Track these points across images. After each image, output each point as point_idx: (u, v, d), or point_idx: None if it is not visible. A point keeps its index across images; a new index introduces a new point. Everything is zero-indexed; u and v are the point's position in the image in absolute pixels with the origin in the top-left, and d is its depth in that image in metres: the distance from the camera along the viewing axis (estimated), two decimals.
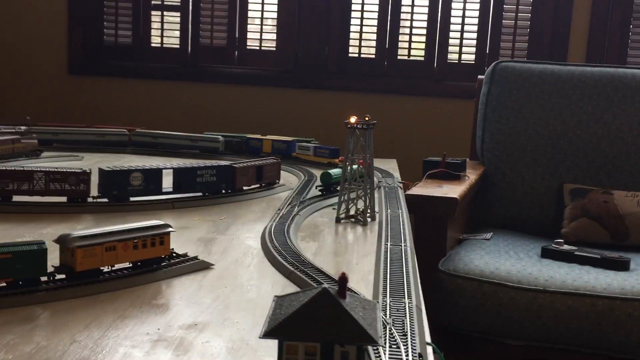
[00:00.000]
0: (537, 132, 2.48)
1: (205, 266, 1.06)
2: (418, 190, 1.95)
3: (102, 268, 0.94)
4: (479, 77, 2.71)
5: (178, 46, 3.48)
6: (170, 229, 1.01)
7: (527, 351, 1.79)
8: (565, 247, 1.97)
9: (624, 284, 1.75)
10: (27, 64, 3.53)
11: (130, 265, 0.98)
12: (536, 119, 2.49)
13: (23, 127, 2.28)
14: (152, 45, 3.51)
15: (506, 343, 1.80)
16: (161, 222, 1.02)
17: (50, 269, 0.90)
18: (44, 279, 0.90)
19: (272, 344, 0.58)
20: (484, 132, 2.57)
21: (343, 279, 0.60)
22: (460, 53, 3.28)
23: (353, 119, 1.39)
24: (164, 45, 3.50)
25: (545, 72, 2.55)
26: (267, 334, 0.57)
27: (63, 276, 0.91)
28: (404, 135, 3.23)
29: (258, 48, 3.43)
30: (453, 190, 1.95)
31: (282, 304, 0.61)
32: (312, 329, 0.57)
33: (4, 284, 0.87)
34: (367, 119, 1.40)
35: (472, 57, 3.26)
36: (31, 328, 0.80)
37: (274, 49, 3.41)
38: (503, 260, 1.89)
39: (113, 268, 0.96)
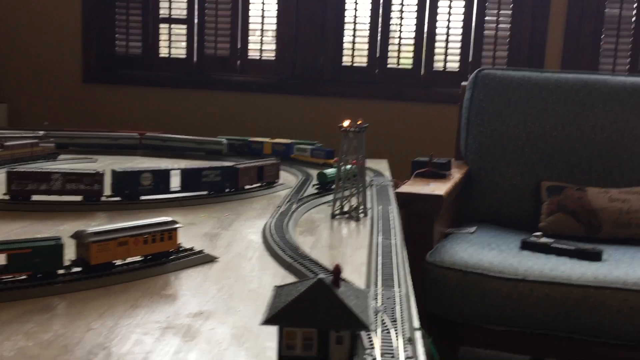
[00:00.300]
0: (517, 134, 2.48)
1: (210, 259, 1.06)
2: (407, 188, 1.95)
3: (115, 261, 0.94)
4: (463, 83, 2.71)
5: (184, 56, 3.48)
6: (177, 225, 1.01)
7: (509, 336, 1.79)
8: (543, 239, 1.97)
9: (597, 273, 1.75)
10: (44, 73, 3.52)
11: (141, 258, 0.97)
12: (515, 122, 2.49)
13: (41, 132, 2.27)
14: (161, 55, 3.51)
15: (489, 328, 1.80)
16: (169, 219, 1.02)
17: (66, 263, 0.90)
18: (61, 271, 0.90)
19: (273, 331, 0.58)
20: (467, 134, 2.57)
21: (337, 270, 0.60)
22: (445, 62, 3.28)
23: (346, 123, 1.39)
24: (172, 56, 3.50)
25: (524, 79, 2.55)
26: (267, 321, 0.57)
27: (79, 269, 0.91)
28: (394, 137, 3.23)
29: (258, 57, 3.43)
30: (439, 188, 1.95)
31: (281, 293, 0.61)
32: (309, 316, 0.57)
33: (24, 277, 0.87)
34: (359, 122, 1.40)
35: (456, 65, 3.27)
36: (49, 317, 0.80)
37: (273, 58, 3.41)
38: (486, 252, 1.89)
39: (125, 261, 0.96)
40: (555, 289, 1.72)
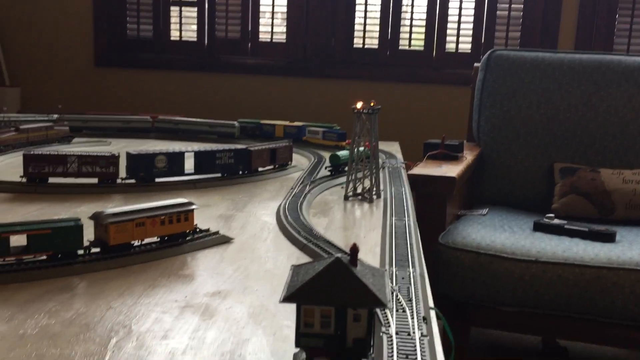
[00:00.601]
0: (530, 116, 2.47)
1: (225, 240, 1.07)
2: (419, 170, 1.95)
3: (132, 242, 0.95)
4: (475, 65, 2.69)
5: (195, 39, 3.47)
6: (193, 206, 1.02)
7: (520, 317, 1.80)
8: (556, 221, 1.97)
9: (610, 254, 1.75)
10: (57, 57, 3.54)
11: (158, 239, 0.99)
12: (528, 103, 2.48)
13: (55, 115, 2.29)
14: (172, 38, 3.50)
15: (501, 309, 1.81)
16: (185, 200, 1.03)
17: (86, 244, 0.92)
18: (80, 252, 0.91)
19: (289, 310, 0.59)
20: (480, 116, 2.56)
21: (354, 249, 0.61)
22: (457, 43, 3.26)
23: (359, 105, 1.39)
24: (183, 39, 3.50)
25: (537, 60, 2.53)
26: (286, 299, 0.58)
27: (98, 250, 0.92)
28: (406, 119, 3.22)
29: (269, 40, 3.42)
30: (451, 170, 1.95)
31: (299, 272, 0.62)
32: (327, 294, 0.58)
33: (44, 257, 0.88)
34: (372, 104, 1.41)
35: (469, 46, 3.24)
36: (70, 296, 0.81)
37: (284, 40, 3.40)
38: (498, 233, 1.89)
39: (143, 242, 0.97)
40: (568, 270, 1.72)
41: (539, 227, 1.96)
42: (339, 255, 0.61)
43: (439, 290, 1.84)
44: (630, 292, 1.68)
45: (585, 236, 1.88)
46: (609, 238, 1.87)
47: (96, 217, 0.93)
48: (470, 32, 3.23)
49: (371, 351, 0.60)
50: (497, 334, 2.53)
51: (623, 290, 1.69)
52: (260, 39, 3.42)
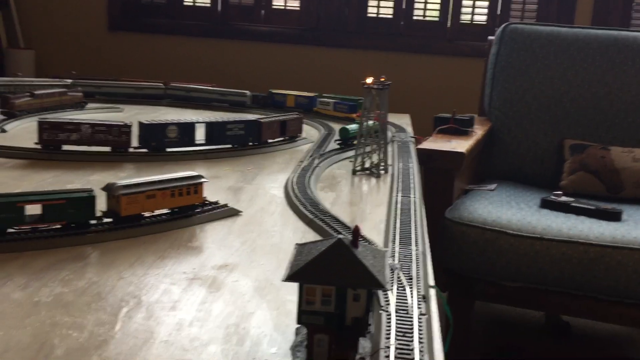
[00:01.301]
0: (542, 91, 2.46)
1: (234, 213, 1.09)
2: (428, 144, 1.96)
3: (143, 213, 0.98)
4: (489, 37, 2.67)
5: (209, 5, 3.46)
6: (203, 180, 1.04)
7: (524, 292, 1.83)
8: (563, 198, 1.98)
9: (615, 233, 1.76)
10: (70, 21, 3.54)
11: (169, 211, 1.01)
12: (541, 79, 2.47)
13: (69, 81, 2.31)
14: (185, 3, 3.49)
15: (505, 284, 1.83)
16: (195, 173, 1.05)
17: (98, 214, 0.95)
18: (93, 222, 0.94)
19: (293, 285, 0.62)
20: (492, 90, 2.55)
21: (356, 230, 0.63)
22: (472, 14, 3.23)
23: (370, 80, 1.40)
24: (196, 4, 3.49)
25: (552, 34, 2.51)
26: (289, 278, 0.60)
27: (110, 220, 0.95)
28: (418, 91, 3.21)
29: (283, 7, 3.40)
30: (461, 145, 1.95)
31: (302, 251, 0.64)
32: (328, 274, 0.60)
33: (58, 226, 0.91)
34: (382, 79, 1.41)
35: (484, 17, 3.22)
36: (83, 265, 0.85)
37: (298, 8, 3.38)
38: (505, 209, 1.91)
39: (153, 213, 1.00)
40: (572, 248, 1.73)
41: (545, 204, 1.97)
42: (341, 236, 0.63)
43: (445, 265, 1.87)
44: (633, 271, 1.70)
45: (591, 214, 1.89)
46: (615, 217, 1.88)
47: (109, 189, 0.95)
48: (487, 3, 3.20)
49: (369, 330, 0.62)
50: (500, 308, 2.57)
51: (627, 269, 1.71)
52: (273, 6, 3.40)
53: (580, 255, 1.73)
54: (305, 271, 0.60)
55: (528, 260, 1.76)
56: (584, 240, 1.74)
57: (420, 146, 1.90)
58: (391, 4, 3.29)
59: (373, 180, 1.42)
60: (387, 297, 0.73)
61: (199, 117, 1.62)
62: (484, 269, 1.82)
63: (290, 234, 1.02)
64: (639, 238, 1.74)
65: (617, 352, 2.31)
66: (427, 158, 1.88)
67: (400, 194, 1.22)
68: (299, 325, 0.63)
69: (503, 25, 2.60)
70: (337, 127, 1.84)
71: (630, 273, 1.70)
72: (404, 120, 2.23)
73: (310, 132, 1.93)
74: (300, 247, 0.66)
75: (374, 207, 1.19)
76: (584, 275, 1.74)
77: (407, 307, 0.72)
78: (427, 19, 3.27)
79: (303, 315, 0.61)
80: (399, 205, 1.14)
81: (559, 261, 1.74)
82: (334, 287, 0.60)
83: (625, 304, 1.76)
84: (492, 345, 2.19)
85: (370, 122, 1.46)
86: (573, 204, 1.94)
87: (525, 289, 1.82)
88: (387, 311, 0.70)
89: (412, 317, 0.70)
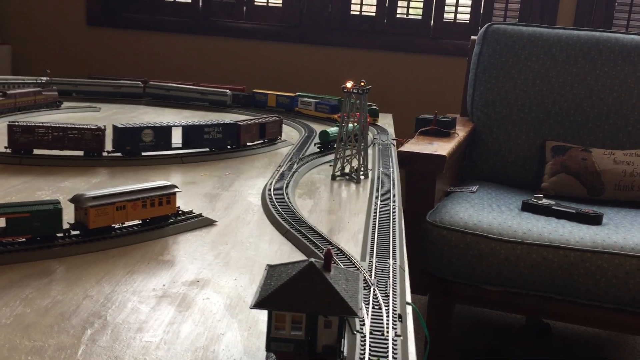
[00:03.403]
0: (524, 92, 2.45)
1: (208, 223, 1.06)
2: (410, 147, 1.94)
3: (113, 225, 0.95)
4: (472, 37, 2.66)
5: (190, 0, 3.41)
6: (176, 190, 1.01)
7: (504, 296, 1.82)
8: (544, 201, 1.97)
9: (595, 237, 1.76)
10: (48, 14, 3.47)
11: (140, 222, 0.98)
12: (524, 80, 2.46)
13: (44, 79, 2.26)
14: None
15: (485, 288, 1.82)
16: (168, 183, 1.02)
17: (65, 226, 0.91)
18: (60, 235, 0.91)
19: None
20: (474, 91, 2.54)
21: (329, 254, 0.60)
22: (455, 12, 3.21)
23: (349, 84, 1.37)
24: (177, 0, 3.43)
25: (534, 35, 2.50)
26: (257, 305, 0.57)
27: (77, 233, 0.92)
28: (401, 90, 3.20)
29: (265, 4, 3.36)
30: (442, 148, 1.94)
31: (272, 274, 0.62)
32: (299, 300, 0.58)
33: (23, 240, 0.88)
34: (362, 84, 1.39)
35: (467, 16, 3.20)
36: (48, 282, 0.81)
37: (280, 5, 3.34)
38: (486, 213, 1.90)
39: (123, 225, 0.96)
40: (552, 252, 1.73)
41: (527, 207, 1.96)
42: (313, 260, 0.60)
43: (426, 268, 1.86)
44: (613, 275, 1.70)
45: (572, 218, 1.88)
46: (596, 220, 1.87)
47: (76, 200, 0.92)
48: (470, 2, 3.18)
49: (341, 357, 0.60)
50: (481, 310, 2.57)
51: (606, 274, 1.70)
52: (255, 2, 3.36)
53: (561, 260, 1.72)
54: (275, 297, 0.58)
55: (509, 264, 1.75)
56: (564, 245, 1.73)
57: (402, 149, 1.88)
58: (374, 1, 3.26)
59: (353, 186, 1.39)
60: (362, 319, 0.71)
61: (175, 120, 1.58)
62: (464, 272, 1.81)
63: (266, 246, 1.00)
64: (619, 242, 1.73)
65: (597, 354, 2.32)
66: (408, 161, 1.86)
67: (379, 202, 1.20)
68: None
69: (485, 26, 2.59)
70: (318, 128, 1.81)
71: (609, 277, 1.70)
72: (386, 121, 2.21)
73: (291, 133, 1.90)
74: (271, 270, 0.63)
75: (353, 216, 1.17)
76: (563, 280, 1.73)
77: (382, 328, 0.70)
78: (410, 17, 3.25)
79: (272, 343, 0.59)
80: (377, 215, 1.12)
81: (539, 265, 1.73)
82: (304, 314, 0.58)
83: (604, 308, 1.75)
84: (473, 347, 2.18)
85: (350, 126, 1.44)
86: (554, 207, 1.93)
87: (506, 292, 1.81)
88: (361, 333, 0.68)
89: (387, 340, 0.68)
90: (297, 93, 2.29)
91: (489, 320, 2.52)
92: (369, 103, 2.06)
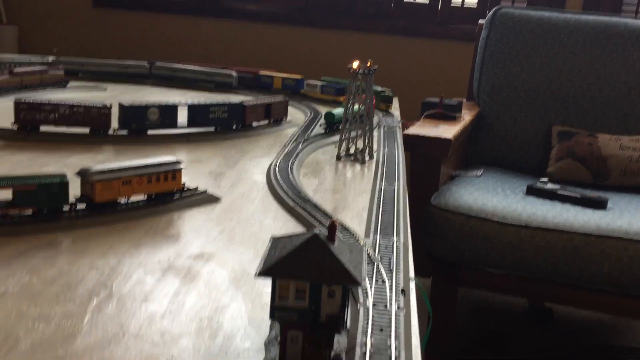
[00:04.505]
0: (531, 77, 2.44)
1: (213, 199, 1.07)
2: (415, 130, 1.94)
3: (119, 200, 0.96)
4: (480, 21, 2.64)
5: None
6: (181, 166, 1.02)
7: (507, 279, 1.82)
8: (549, 185, 1.97)
9: (600, 222, 1.76)
10: None
11: (145, 197, 0.99)
12: (531, 64, 2.45)
13: (51, 58, 2.26)
14: None
15: (489, 272, 1.83)
16: (174, 159, 1.02)
17: (72, 200, 0.92)
18: (66, 208, 0.91)
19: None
20: (481, 75, 2.53)
21: (333, 225, 0.61)
22: None
23: (355, 64, 1.37)
24: None
25: (543, 19, 2.49)
26: (261, 273, 0.58)
27: (83, 206, 0.93)
28: (407, 75, 3.18)
29: None
30: (448, 131, 1.93)
31: (277, 245, 0.62)
32: (303, 269, 0.58)
33: (30, 212, 0.89)
34: (369, 64, 1.38)
35: (475, 1, 3.18)
36: (54, 253, 0.82)
37: None
38: (490, 196, 1.90)
39: (129, 200, 0.97)
40: (556, 236, 1.73)
41: (531, 192, 1.96)
42: (317, 231, 0.61)
43: (429, 251, 1.86)
44: (616, 260, 1.70)
45: (577, 202, 1.88)
46: (601, 205, 1.87)
47: (82, 174, 0.93)
48: None
49: (344, 327, 0.61)
50: (484, 294, 2.57)
51: (610, 258, 1.70)
52: None
53: (564, 244, 1.72)
54: (279, 266, 0.58)
55: (512, 248, 1.76)
56: (568, 229, 1.73)
57: (407, 132, 1.88)
58: None
59: (357, 166, 1.39)
60: (365, 292, 0.71)
61: (181, 99, 1.58)
62: (468, 256, 1.81)
63: (271, 222, 1.00)
64: (624, 227, 1.73)
65: (600, 339, 2.33)
66: (413, 144, 1.86)
67: (384, 182, 1.20)
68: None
69: (493, 9, 2.57)
70: (323, 110, 1.81)
71: (613, 262, 1.70)
72: (392, 104, 2.20)
73: (296, 115, 1.90)
74: (275, 241, 0.64)
75: (357, 195, 1.17)
76: (567, 264, 1.73)
77: (385, 301, 0.71)
78: (418, 1, 3.23)
79: (276, 312, 0.59)
80: (382, 194, 1.12)
81: (543, 249, 1.74)
82: (308, 282, 0.58)
83: (607, 292, 1.76)
84: (476, 332, 2.20)
85: (356, 107, 1.44)
86: (559, 192, 1.93)
87: (509, 276, 1.82)
88: (365, 305, 0.68)
89: (390, 312, 0.68)
90: (322, 77, 2.27)
91: (492, 305, 2.53)
92: (383, 89, 2.06)
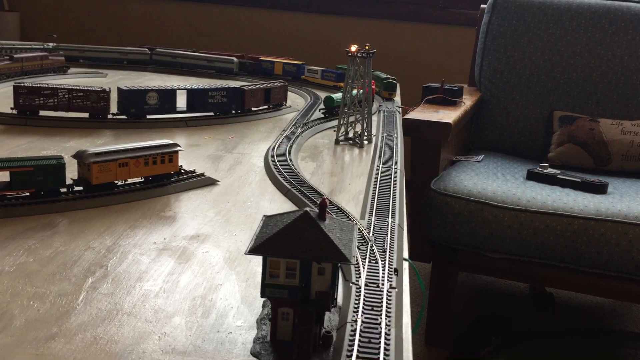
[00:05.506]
0: (533, 62, 2.43)
1: (211, 182, 1.07)
2: (415, 115, 1.93)
3: (116, 182, 0.96)
4: (482, 6, 2.63)
5: None
6: (178, 148, 1.02)
7: (507, 263, 1.83)
8: (550, 170, 1.97)
9: (599, 206, 1.76)
10: None
11: (142, 180, 0.99)
12: (533, 49, 2.43)
13: (52, 44, 2.26)
14: None
15: (488, 256, 1.83)
16: (170, 142, 1.03)
17: (69, 182, 0.92)
18: (63, 190, 0.92)
19: None
20: (482, 60, 2.52)
21: (323, 204, 0.61)
22: None
23: (354, 48, 1.37)
24: None
25: (545, 3, 2.47)
26: (252, 251, 0.58)
27: (80, 188, 0.93)
28: (409, 60, 3.17)
29: None
30: (448, 116, 1.93)
31: (268, 223, 0.62)
32: (293, 247, 0.58)
33: (27, 194, 0.89)
34: (367, 47, 1.38)
35: None
36: (51, 234, 0.83)
37: None
38: (490, 181, 1.90)
39: (126, 182, 0.98)
40: (556, 220, 1.73)
41: (531, 176, 1.96)
42: (308, 209, 0.61)
43: (429, 235, 1.86)
44: (616, 244, 1.70)
45: (577, 187, 1.88)
46: (601, 189, 1.87)
47: (79, 156, 0.93)
48: None
49: (334, 304, 0.61)
50: (485, 278, 2.58)
51: (609, 242, 1.70)
52: None
53: (564, 228, 1.72)
54: (269, 244, 0.59)
55: (511, 232, 1.76)
56: (568, 213, 1.73)
57: (407, 116, 1.88)
58: None
59: (356, 150, 1.40)
60: (358, 271, 0.72)
61: (180, 84, 1.59)
62: (468, 240, 1.81)
63: (267, 205, 1.01)
64: (623, 211, 1.73)
65: (600, 323, 2.33)
66: (413, 128, 1.86)
67: (381, 165, 1.20)
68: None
69: None
70: (323, 95, 1.81)
71: (612, 246, 1.70)
72: None
73: (296, 100, 1.90)
74: (267, 219, 0.64)
75: (354, 178, 1.18)
76: (566, 248, 1.74)
77: (377, 280, 0.71)
78: None
79: (267, 289, 0.60)
80: (379, 177, 1.12)
81: (542, 233, 1.74)
82: (298, 260, 0.59)
83: (606, 276, 1.76)
84: (476, 315, 2.20)
85: (354, 91, 1.44)
86: (559, 176, 1.92)
87: (509, 260, 1.82)
88: (357, 284, 0.69)
89: (382, 291, 0.69)
90: (337, 65, 2.27)
91: (493, 288, 2.53)
92: (387, 76, 2.05)
